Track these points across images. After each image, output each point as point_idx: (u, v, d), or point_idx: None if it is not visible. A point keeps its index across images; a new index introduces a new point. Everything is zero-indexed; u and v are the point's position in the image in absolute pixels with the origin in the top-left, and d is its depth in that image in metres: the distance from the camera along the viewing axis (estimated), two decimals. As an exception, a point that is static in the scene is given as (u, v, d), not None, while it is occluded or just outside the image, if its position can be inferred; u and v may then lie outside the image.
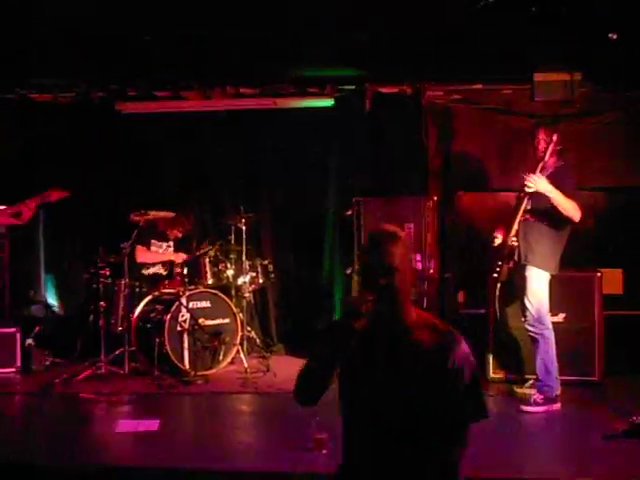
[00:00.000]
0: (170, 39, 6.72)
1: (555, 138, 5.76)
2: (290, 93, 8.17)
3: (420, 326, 2.84)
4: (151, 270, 7.69)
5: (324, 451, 4.76)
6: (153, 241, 7.73)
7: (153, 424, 5.53)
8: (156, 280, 7.55)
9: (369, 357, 2.85)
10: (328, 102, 8.15)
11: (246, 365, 7.16)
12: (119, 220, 7.56)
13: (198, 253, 7.56)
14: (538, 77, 7.24)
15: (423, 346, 2.79)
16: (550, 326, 5.92)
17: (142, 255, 7.61)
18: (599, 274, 6.70)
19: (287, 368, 7.44)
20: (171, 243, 7.87)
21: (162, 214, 7.51)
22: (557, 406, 5.83)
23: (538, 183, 5.71)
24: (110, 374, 6.93)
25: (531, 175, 5.75)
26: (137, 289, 7.39)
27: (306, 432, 4.88)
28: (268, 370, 7.21)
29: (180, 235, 7.90)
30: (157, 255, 7.73)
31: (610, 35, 5.80)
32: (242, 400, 6.51)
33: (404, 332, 2.83)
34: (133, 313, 7.23)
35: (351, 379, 2.91)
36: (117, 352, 7.08)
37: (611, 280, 7.22)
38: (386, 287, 2.79)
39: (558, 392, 5.86)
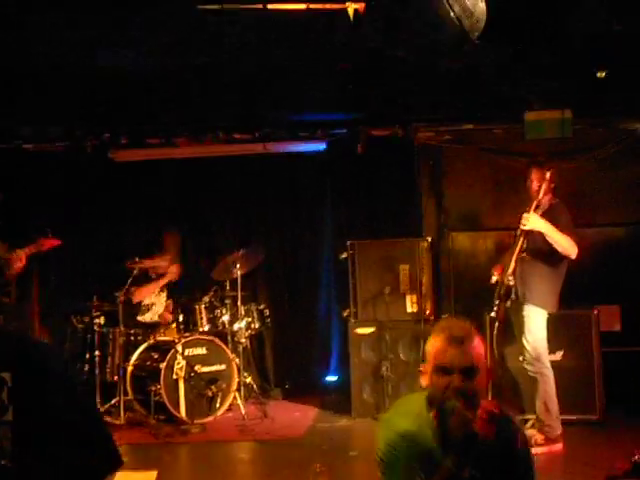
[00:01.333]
0: (160, 86, 6.74)
1: (548, 176, 5.78)
2: (282, 137, 8.19)
3: (484, 420, 2.66)
4: (147, 317, 7.64)
5: (324, 499, 4.68)
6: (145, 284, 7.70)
7: (151, 476, 5.43)
8: (151, 327, 7.50)
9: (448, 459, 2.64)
10: (320, 146, 8.18)
11: (243, 412, 7.09)
12: (112, 269, 7.52)
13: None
14: (529, 116, 7.28)
15: (489, 440, 2.63)
16: (549, 365, 5.89)
17: (138, 294, 7.56)
18: (596, 311, 6.68)
19: (285, 413, 7.42)
20: (164, 287, 7.82)
21: (157, 261, 7.48)
22: (559, 446, 5.77)
23: (532, 221, 5.72)
24: (106, 424, 6.82)
25: (525, 213, 5.76)
26: (132, 337, 7.34)
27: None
28: (266, 416, 7.14)
29: (170, 276, 7.83)
30: (150, 287, 7.67)
31: (598, 74, 5.84)
32: (240, 448, 6.45)
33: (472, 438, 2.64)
34: (128, 361, 7.17)
35: None
36: (113, 402, 7.00)
37: (609, 317, 7.19)
38: (464, 389, 2.57)
39: (559, 432, 5.80)
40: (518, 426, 2.79)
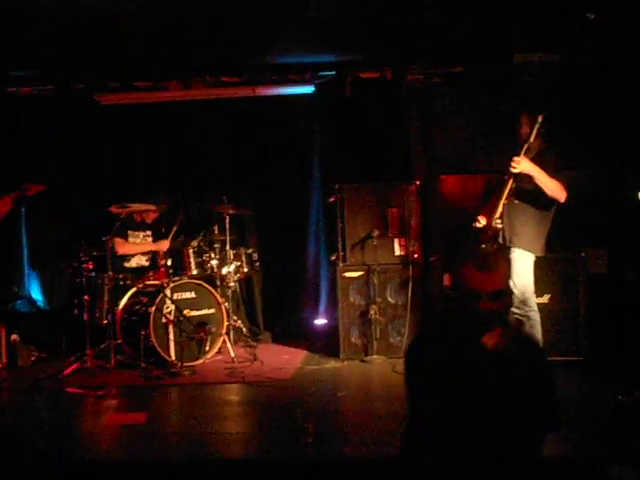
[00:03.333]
0: (149, 29, 6.65)
1: (540, 120, 5.75)
2: (270, 81, 8.11)
3: (515, 346, 2.79)
4: (133, 262, 7.65)
5: (309, 440, 4.75)
6: (130, 232, 7.68)
7: (140, 417, 5.50)
8: (140, 272, 7.51)
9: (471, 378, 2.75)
10: (308, 89, 8.11)
11: (233, 355, 7.14)
12: (100, 212, 7.47)
13: (173, 237, 7.55)
14: (518, 58, 7.21)
15: (517, 359, 2.76)
16: (536, 308, 5.93)
17: (121, 247, 7.56)
18: (583, 254, 6.71)
19: (274, 356, 7.47)
20: (149, 232, 7.81)
21: (144, 206, 7.46)
22: (544, 387, 5.83)
23: (523, 164, 5.70)
24: (96, 368, 6.87)
25: (515, 157, 5.74)
26: (121, 282, 7.34)
27: (293, 421, 4.86)
28: (255, 359, 7.19)
29: (155, 216, 7.81)
30: (136, 246, 7.68)
31: (588, 15, 5.77)
32: (229, 390, 6.47)
33: (503, 358, 2.75)
34: (118, 306, 7.19)
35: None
36: (102, 345, 7.03)
37: (595, 259, 7.23)
38: (495, 313, 2.71)
39: (545, 373, 5.85)
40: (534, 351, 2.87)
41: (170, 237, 7.67)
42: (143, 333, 6.84)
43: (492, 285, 2.69)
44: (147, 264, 7.65)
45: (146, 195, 7.51)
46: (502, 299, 2.71)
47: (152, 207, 7.55)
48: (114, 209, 7.16)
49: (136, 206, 7.29)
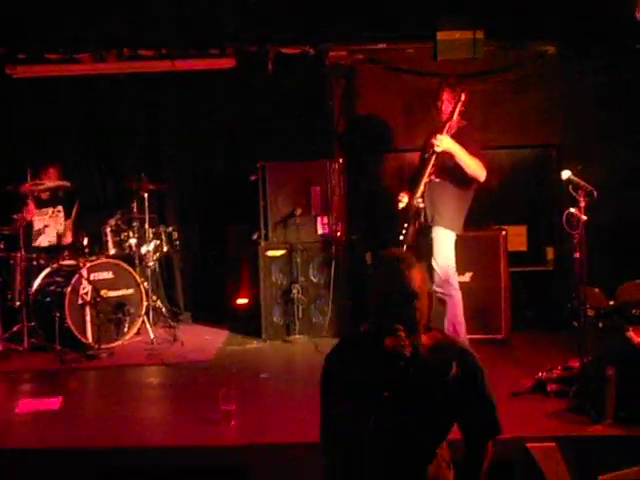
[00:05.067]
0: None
1: (463, 97, 5.74)
2: (190, 55, 7.91)
3: (431, 348, 2.74)
4: (44, 241, 7.37)
5: (232, 422, 4.67)
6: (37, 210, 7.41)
7: (55, 402, 5.32)
8: (54, 251, 7.25)
9: (378, 384, 2.70)
10: (229, 63, 7.93)
11: (152, 336, 6.99)
12: (11, 191, 7.17)
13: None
14: (441, 36, 7.20)
15: (431, 366, 2.70)
16: (457, 286, 5.95)
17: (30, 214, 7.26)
18: (504, 232, 6.77)
19: (195, 337, 7.37)
20: (60, 207, 7.55)
21: (58, 184, 7.22)
22: (466, 365, 5.86)
23: (445, 142, 5.68)
24: (8, 351, 6.65)
25: (437, 134, 5.72)
26: (34, 262, 7.10)
27: (214, 404, 4.77)
28: (175, 340, 7.05)
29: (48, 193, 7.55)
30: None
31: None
32: (149, 372, 6.35)
33: (415, 358, 2.69)
34: (31, 287, 6.95)
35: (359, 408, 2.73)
36: (15, 328, 6.80)
37: (515, 237, 7.32)
38: (407, 316, 2.67)
39: (466, 351, 5.89)
40: (461, 355, 2.78)
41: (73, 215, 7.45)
42: (58, 315, 6.63)
43: (401, 287, 2.68)
44: (58, 242, 7.38)
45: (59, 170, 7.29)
46: (412, 301, 2.68)
47: (63, 183, 7.29)
48: (28, 186, 6.90)
49: (52, 183, 7.05)
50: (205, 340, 7.28)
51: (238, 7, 6.82)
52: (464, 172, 5.77)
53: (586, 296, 5.08)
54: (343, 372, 2.77)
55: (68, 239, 7.40)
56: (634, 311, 6.24)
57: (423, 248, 6.03)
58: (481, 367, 2.80)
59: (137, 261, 7.37)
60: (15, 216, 6.86)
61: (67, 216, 7.57)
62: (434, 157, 5.78)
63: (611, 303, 6.65)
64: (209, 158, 8.27)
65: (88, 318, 6.81)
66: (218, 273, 8.29)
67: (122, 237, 7.34)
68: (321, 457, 2.89)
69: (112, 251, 7.27)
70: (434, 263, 5.90)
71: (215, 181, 8.25)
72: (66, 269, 7.06)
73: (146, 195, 7.32)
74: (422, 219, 5.92)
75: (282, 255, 7.23)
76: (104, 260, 7.12)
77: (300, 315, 7.12)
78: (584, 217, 4.81)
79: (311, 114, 7.88)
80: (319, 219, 7.30)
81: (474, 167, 5.74)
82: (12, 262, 6.98)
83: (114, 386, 5.96)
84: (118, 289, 7.05)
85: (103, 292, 6.86)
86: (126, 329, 7.02)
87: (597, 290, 6.61)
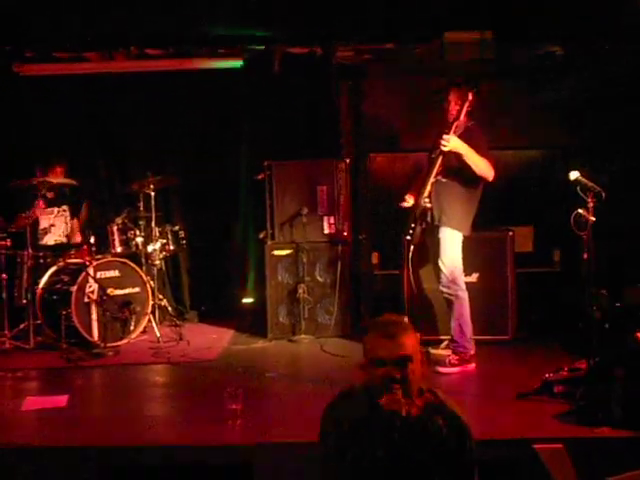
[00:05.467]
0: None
1: (471, 97, 5.72)
2: (197, 54, 7.92)
3: (423, 410, 2.80)
4: (51, 239, 7.37)
5: (239, 421, 4.66)
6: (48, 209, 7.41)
7: (61, 400, 5.32)
8: (60, 250, 7.25)
9: (372, 442, 2.78)
10: (237, 63, 7.94)
11: (158, 334, 6.99)
12: (19, 189, 7.18)
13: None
14: (448, 37, 7.19)
15: (423, 429, 2.76)
16: (464, 287, 5.93)
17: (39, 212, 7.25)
18: (511, 233, 6.76)
19: (201, 336, 7.36)
20: (65, 207, 7.55)
21: (65, 181, 7.23)
22: (472, 366, 5.87)
23: (453, 142, 5.67)
24: (15, 349, 6.67)
25: (445, 135, 5.71)
26: (41, 260, 7.10)
27: (220, 403, 4.77)
28: (181, 339, 7.05)
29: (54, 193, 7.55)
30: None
31: None
32: (155, 371, 6.35)
33: (410, 423, 2.76)
34: (38, 285, 6.95)
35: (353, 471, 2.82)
36: (21, 326, 6.81)
37: (522, 238, 7.30)
38: (401, 380, 2.74)
39: (472, 352, 5.89)
40: (466, 431, 2.82)
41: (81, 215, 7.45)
42: (64, 313, 6.65)
43: (396, 351, 2.74)
44: (65, 241, 7.38)
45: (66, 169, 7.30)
46: (406, 365, 2.74)
47: (70, 182, 7.30)
48: (35, 183, 6.91)
49: (59, 180, 7.06)
50: (211, 339, 7.28)
51: (247, 6, 6.78)
52: (471, 172, 5.75)
53: (593, 297, 5.06)
54: (340, 427, 2.85)
55: (77, 239, 7.38)
56: (640, 312, 6.21)
57: (430, 248, 6.03)
58: (469, 431, 2.83)
59: (143, 260, 7.37)
60: (23, 214, 6.85)
61: (73, 215, 7.57)
62: (441, 157, 5.77)
63: (618, 305, 6.62)
64: (216, 157, 8.26)
65: (94, 316, 6.81)
66: (224, 272, 8.29)
67: (128, 235, 7.33)
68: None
69: (118, 249, 7.26)
70: (441, 263, 5.89)
71: (222, 180, 8.25)
72: (72, 267, 7.07)
73: (153, 194, 7.31)
74: (429, 219, 5.90)
75: (288, 254, 7.22)
76: (110, 258, 7.12)
77: (306, 315, 7.11)
78: (592, 218, 4.80)
79: (318, 114, 7.88)
80: (325, 219, 7.29)
81: (482, 167, 5.73)
82: (19, 260, 6.99)
83: (120, 384, 5.96)
84: (124, 287, 7.05)
85: (109, 290, 6.85)
86: (132, 328, 7.02)
87: (604, 292, 6.58)
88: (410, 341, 2.79)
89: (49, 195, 7.41)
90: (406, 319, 3.00)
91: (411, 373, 2.76)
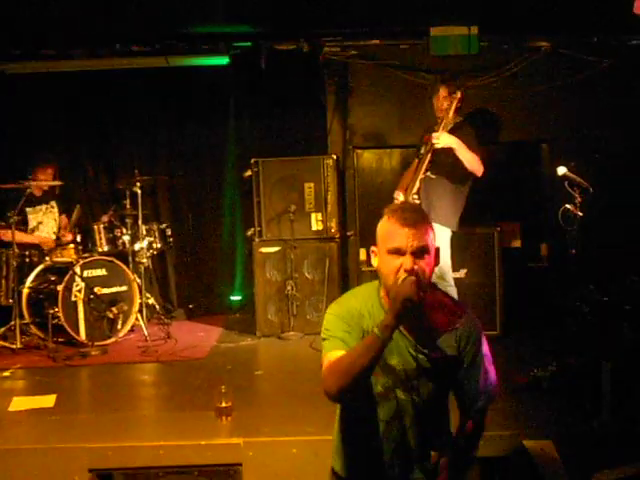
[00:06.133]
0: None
1: (459, 94, 5.73)
2: (184, 51, 7.87)
3: (435, 307, 2.77)
4: (39, 236, 7.33)
5: (229, 419, 4.65)
6: (29, 209, 7.35)
7: (50, 400, 5.29)
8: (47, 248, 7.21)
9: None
10: (223, 60, 7.90)
11: (146, 333, 6.97)
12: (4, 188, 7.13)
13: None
14: (435, 32, 7.18)
15: (437, 327, 2.73)
16: (453, 283, 5.94)
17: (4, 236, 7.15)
18: (499, 229, 6.76)
19: (189, 334, 7.34)
20: (53, 203, 7.51)
21: (53, 184, 7.20)
22: (460, 361, 5.85)
23: (444, 138, 5.67)
24: (1, 349, 6.62)
25: (435, 132, 5.71)
26: (27, 259, 7.05)
27: (208, 401, 4.75)
28: (169, 337, 7.04)
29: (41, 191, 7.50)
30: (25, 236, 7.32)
31: None
32: (143, 370, 6.33)
33: (421, 314, 2.71)
34: (24, 284, 6.90)
35: None
36: (8, 326, 6.76)
37: (510, 234, 7.31)
38: (416, 272, 2.61)
39: (461, 347, 5.88)
40: (471, 324, 2.84)
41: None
42: (51, 312, 6.62)
43: (415, 241, 2.63)
44: (54, 238, 7.34)
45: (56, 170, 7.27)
46: (423, 257, 2.65)
47: (57, 183, 7.26)
48: (20, 183, 6.87)
49: (44, 181, 7.02)
50: (199, 337, 7.26)
51: (233, 2, 6.75)
52: (460, 168, 5.77)
53: (580, 292, 5.08)
54: (351, 319, 2.75)
55: (67, 237, 7.33)
56: (627, 307, 6.23)
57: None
58: (481, 331, 2.87)
59: (130, 258, 7.34)
60: (8, 213, 6.81)
61: (61, 212, 7.53)
62: (430, 153, 5.77)
63: (605, 299, 6.64)
64: (203, 154, 8.25)
65: (81, 315, 6.78)
66: (212, 269, 8.27)
67: (115, 234, 7.32)
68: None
69: (105, 248, 7.24)
70: (429, 259, 5.88)
71: (209, 177, 8.24)
72: (59, 266, 7.02)
73: (139, 191, 7.28)
74: (417, 215, 5.89)
75: (276, 252, 7.21)
76: (97, 257, 7.09)
77: (294, 312, 7.10)
78: (580, 213, 4.81)
79: (305, 110, 7.86)
80: (313, 215, 7.28)
81: (472, 162, 5.76)
82: (4, 259, 6.94)
83: (108, 384, 5.92)
84: (111, 286, 7.03)
85: (96, 289, 6.84)
86: (119, 326, 7.00)
87: (591, 286, 6.60)
88: (428, 231, 2.68)
89: (37, 193, 7.36)
90: (421, 208, 2.80)
91: (427, 265, 2.66)
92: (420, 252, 2.63)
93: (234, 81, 7.95)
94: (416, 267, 2.61)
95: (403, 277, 2.60)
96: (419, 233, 2.64)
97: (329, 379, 2.65)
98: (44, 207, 7.44)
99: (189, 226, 8.30)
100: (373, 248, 2.77)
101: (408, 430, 2.79)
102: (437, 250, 2.74)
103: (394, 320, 2.55)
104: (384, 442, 2.79)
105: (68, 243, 7.24)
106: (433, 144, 5.68)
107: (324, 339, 2.77)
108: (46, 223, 7.43)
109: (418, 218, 2.67)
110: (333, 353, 2.69)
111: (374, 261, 2.77)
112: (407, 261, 2.62)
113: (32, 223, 7.34)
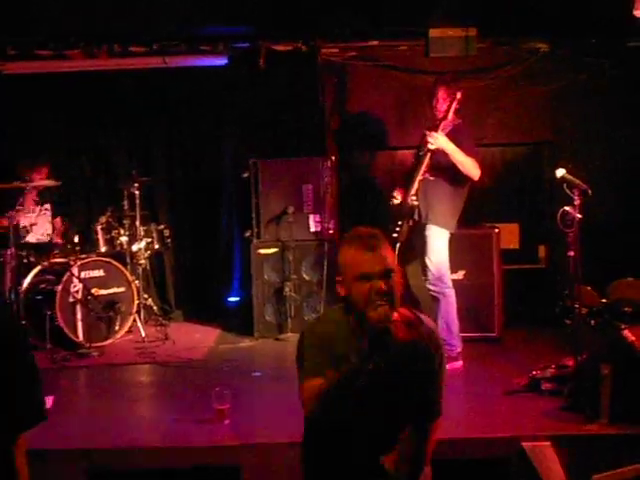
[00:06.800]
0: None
1: (459, 96, 5.72)
2: (182, 51, 7.86)
3: (402, 323, 2.76)
4: (32, 237, 7.30)
5: (226, 422, 4.64)
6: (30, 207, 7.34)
7: (46, 401, 5.25)
8: (45, 249, 7.18)
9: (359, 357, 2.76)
10: (221, 60, 7.89)
11: (144, 334, 6.96)
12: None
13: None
14: (433, 33, 7.17)
15: (402, 342, 2.71)
16: (451, 284, 5.93)
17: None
18: (497, 230, 6.76)
19: (186, 335, 7.33)
20: (47, 206, 7.48)
21: (47, 183, 7.18)
22: (459, 364, 5.85)
23: (440, 140, 5.66)
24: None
25: (432, 132, 5.70)
26: (24, 259, 7.02)
27: (206, 403, 4.74)
28: (167, 338, 7.02)
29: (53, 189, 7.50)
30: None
31: None
32: (140, 371, 6.32)
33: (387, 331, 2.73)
34: (21, 285, 6.87)
35: None
36: (5, 327, 6.72)
37: (508, 235, 7.31)
38: (387, 292, 2.68)
39: (459, 350, 5.88)
40: (437, 343, 2.90)
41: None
42: (49, 313, 6.57)
43: (380, 264, 2.70)
44: (47, 240, 7.32)
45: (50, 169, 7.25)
46: (391, 277, 2.71)
47: (54, 183, 7.24)
48: (18, 183, 6.86)
49: (43, 181, 7.01)
50: (197, 338, 7.25)
51: (231, 3, 6.75)
52: (458, 170, 5.75)
53: (579, 294, 5.07)
54: (324, 346, 2.82)
55: (58, 240, 7.31)
56: (626, 309, 6.23)
57: (417, 245, 6.02)
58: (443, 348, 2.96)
59: (128, 259, 7.32)
60: (7, 214, 6.79)
61: (56, 214, 7.50)
62: (428, 155, 5.76)
63: (603, 301, 6.64)
64: (201, 155, 8.24)
65: (79, 316, 6.76)
66: (210, 271, 8.25)
67: (113, 235, 7.29)
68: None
69: (103, 249, 7.22)
70: (427, 261, 5.88)
71: (207, 178, 8.22)
72: (57, 267, 7.00)
73: (137, 192, 7.27)
74: (416, 217, 5.90)
75: (274, 253, 7.20)
76: (95, 258, 7.07)
77: (292, 313, 7.09)
78: (579, 215, 4.80)
79: (303, 111, 7.84)
80: (311, 217, 7.27)
81: (468, 166, 5.72)
82: (1, 260, 6.92)
83: (105, 385, 5.91)
84: (109, 287, 7.01)
85: (94, 290, 6.82)
86: (117, 327, 6.98)
87: (589, 288, 6.60)
88: (389, 252, 2.77)
89: (32, 195, 7.34)
90: (377, 230, 2.82)
91: (395, 285, 2.73)
92: (387, 274, 2.70)
93: (232, 82, 7.94)
94: (385, 287, 2.68)
95: (377, 304, 2.67)
96: (382, 256, 2.72)
97: (312, 406, 2.79)
98: (38, 209, 7.42)
99: (187, 227, 8.28)
100: (338, 278, 2.82)
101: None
102: (400, 270, 2.84)
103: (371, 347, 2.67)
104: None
105: (59, 244, 7.22)
106: (429, 145, 5.68)
107: (299, 366, 2.87)
108: (40, 224, 7.40)
109: (378, 242, 2.74)
110: (310, 381, 2.78)
111: (340, 290, 2.82)
112: (377, 285, 2.68)
113: (24, 222, 7.29)
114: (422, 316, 2.88)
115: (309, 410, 2.81)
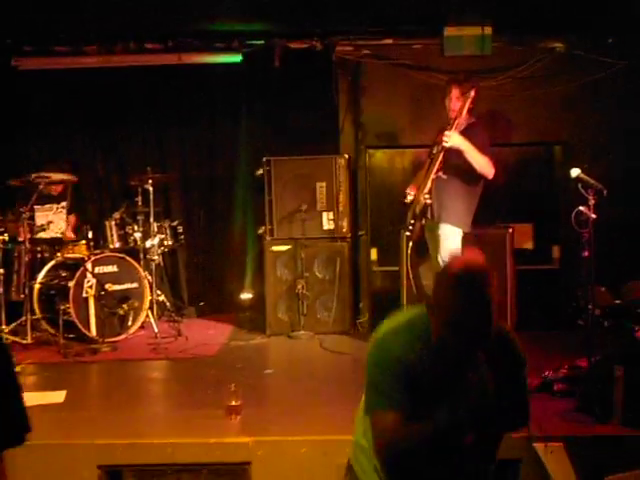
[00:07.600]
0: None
1: (473, 94, 5.71)
2: (197, 48, 7.88)
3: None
4: (48, 235, 7.32)
5: (238, 418, 4.64)
6: (38, 206, 7.34)
7: (60, 395, 5.29)
8: (59, 244, 7.21)
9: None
10: (236, 58, 7.90)
11: (156, 330, 6.96)
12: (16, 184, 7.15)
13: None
14: (448, 32, 7.16)
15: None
16: (463, 283, 5.89)
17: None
18: (510, 230, 6.73)
19: (199, 331, 7.34)
20: (63, 204, 7.50)
21: (65, 177, 7.20)
22: (471, 363, 5.82)
23: (454, 139, 5.65)
24: (12, 344, 6.62)
25: (447, 131, 5.69)
26: (39, 254, 7.07)
27: (218, 399, 4.75)
28: (179, 334, 7.03)
29: (65, 188, 7.52)
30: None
31: None
32: (153, 367, 6.33)
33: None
34: (35, 279, 6.91)
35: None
36: (19, 321, 6.77)
37: (521, 235, 7.28)
38: (486, 332, 2.44)
39: (471, 348, 5.85)
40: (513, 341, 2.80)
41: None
42: (62, 308, 6.62)
43: (484, 322, 2.48)
44: (60, 236, 7.34)
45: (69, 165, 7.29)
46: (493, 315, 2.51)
47: (69, 178, 7.27)
48: (35, 178, 6.88)
49: (59, 176, 7.03)
50: (209, 335, 7.26)
51: (246, 1, 6.75)
52: (472, 169, 5.74)
53: (593, 295, 5.04)
54: (400, 373, 2.50)
55: (70, 236, 7.34)
56: (639, 310, 6.20)
57: (430, 244, 6.01)
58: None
59: (141, 255, 7.34)
60: (21, 209, 6.82)
61: (70, 212, 7.54)
62: (442, 153, 5.75)
63: (617, 302, 6.60)
64: (215, 152, 8.25)
65: (92, 312, 6.79)
66: (223, 267, 8.27)
67: (127, 231, 7.32)
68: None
69: (116, 245, 7.25)
70: (440, 260, 5.87)
71: (221, 176, 8.23)
72: (70, 262, 7.04)
73: (151, 189, 7.29)
74: (429, 215, 5.89)
75: (287, 250, 7.21)
76: (108, 254, 7.10)
77: (305, 311, 7.09)
78: (593, 215, 4.77)
79: (317, 109, 7.84)
80: (325, 215, 7.28)
81: (483, 164, 5.72)
82: (16, 255, 6.96)
83: (117, 380, 5.93)
84: (122, 283, 7.03)
85: (107, 286, 6.84)
86: (130, 323, 7.00)
87: (603, 289, 6.57)
88: (494, 290, 2.45)
89: (46, 191, 7.35)
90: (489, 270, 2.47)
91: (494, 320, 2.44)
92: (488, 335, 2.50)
93: (247, 79, 7.95)
94: None
95: None
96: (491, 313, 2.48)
97: (385, 452, 2.52)
98: (55, 207, 7.45)
99: (200, 224, 8.30)
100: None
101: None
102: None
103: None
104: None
105: (75, 240, 7.25)
106: (443, 144, 5.66)
107: (370, 391, 2.58)
108: (56, 223, 7.42)
109: (487, 292, 2.48)
110: (385, 414, 2.50)
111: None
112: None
113: (40, 221, 7.32)
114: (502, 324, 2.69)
115: (380, 453, 2.52)
